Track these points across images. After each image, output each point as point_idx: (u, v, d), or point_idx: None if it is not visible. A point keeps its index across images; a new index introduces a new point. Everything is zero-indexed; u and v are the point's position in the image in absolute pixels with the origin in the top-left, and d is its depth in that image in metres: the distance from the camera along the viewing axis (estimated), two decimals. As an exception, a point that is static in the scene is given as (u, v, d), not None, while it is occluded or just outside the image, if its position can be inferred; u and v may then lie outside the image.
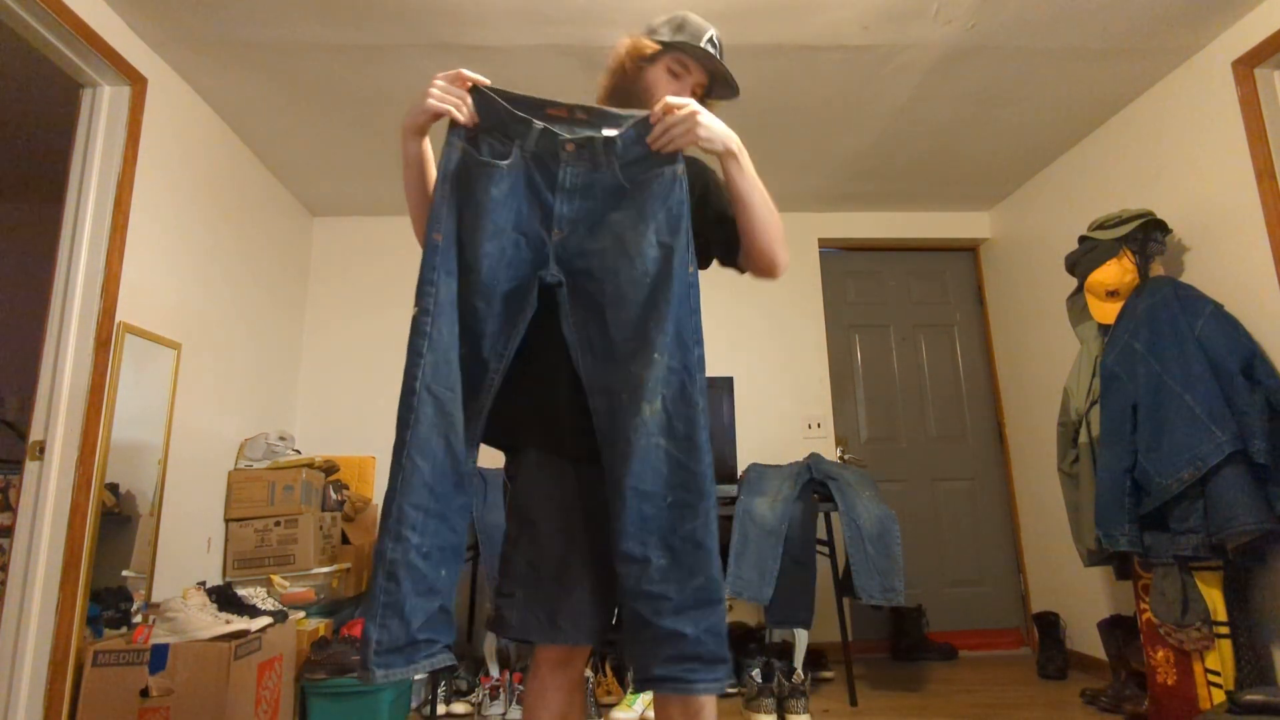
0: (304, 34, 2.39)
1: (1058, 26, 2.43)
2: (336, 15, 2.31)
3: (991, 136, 3.18)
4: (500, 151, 1.18)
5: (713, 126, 1.19)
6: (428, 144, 1.25)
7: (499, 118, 1.18)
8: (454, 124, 1.18)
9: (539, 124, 1.17)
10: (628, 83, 1.38)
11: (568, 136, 1.18)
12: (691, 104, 1.17)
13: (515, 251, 1.18)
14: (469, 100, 1.17)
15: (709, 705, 1.34)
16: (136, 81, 2.35)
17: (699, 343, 1.17)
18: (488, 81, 1.18)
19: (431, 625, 1.10)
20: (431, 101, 1.16)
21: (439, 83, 1.17)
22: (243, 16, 2.30)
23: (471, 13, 2.31)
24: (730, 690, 2.82)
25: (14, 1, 1.94)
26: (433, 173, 1.26)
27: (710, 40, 1.37)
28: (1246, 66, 2.41)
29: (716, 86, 1.39)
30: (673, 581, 1.11)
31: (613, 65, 1.40)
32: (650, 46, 1.38)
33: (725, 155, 1.21)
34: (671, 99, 1.18)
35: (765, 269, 1.31)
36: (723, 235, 1.32)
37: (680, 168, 1.19)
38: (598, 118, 1.19)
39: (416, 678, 2.76)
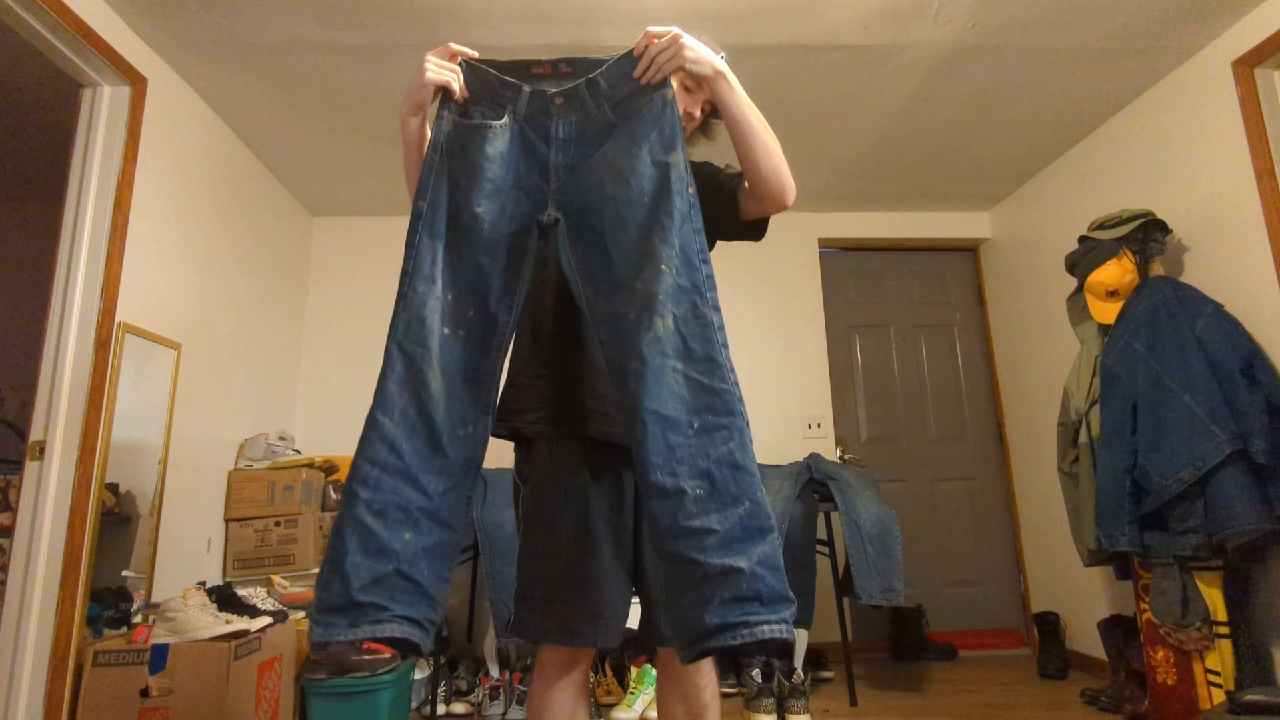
0: (304, 34, 2.39)
1: (1057, 26, 2.43)
2: (336, 15, 2.31)
3: (991, 136, 3.18)
4: (493, 116, 1.18)
5: (698, 48, 1.18)
6: (426, 125, 1.26)
7: (489, 87, 1.18)
8: (445, 99, 1.19)
9: (527, 87, 1.17)
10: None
11: (555, 91, 1.17)
12: (673, 29, 1.17)
13: (515, 206, 1.17)
14: (460, 73, 1.18)
15: (713, 705, 1.34)
16: (136, 81, 2.35)
17: (706, 261, 1.13)
18: (475, 54, 1.20)
19: (378, 589, 1.01)
20: (430, 75, 1.17)
21: (432, 57, 1.18)
22: (243, 17, 2.30)
23: (471, 13, 2.31)
24: (730, 690, 2.82)
25: (14, 1, 1.94)
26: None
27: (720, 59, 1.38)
28: (1246, 66, 2.41)
29: None
30: (714, 511, 1.01)
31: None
32: None
33: (715, 76, 1.20)
34: (652, 27, 1.18)
35: (774, 195, 1.28)
36: (723, 201, 1.32)
37: (670, 92, 1.18)
38: (582, 67, 1.19)
39: (417, 676, 2.76)
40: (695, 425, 1.04)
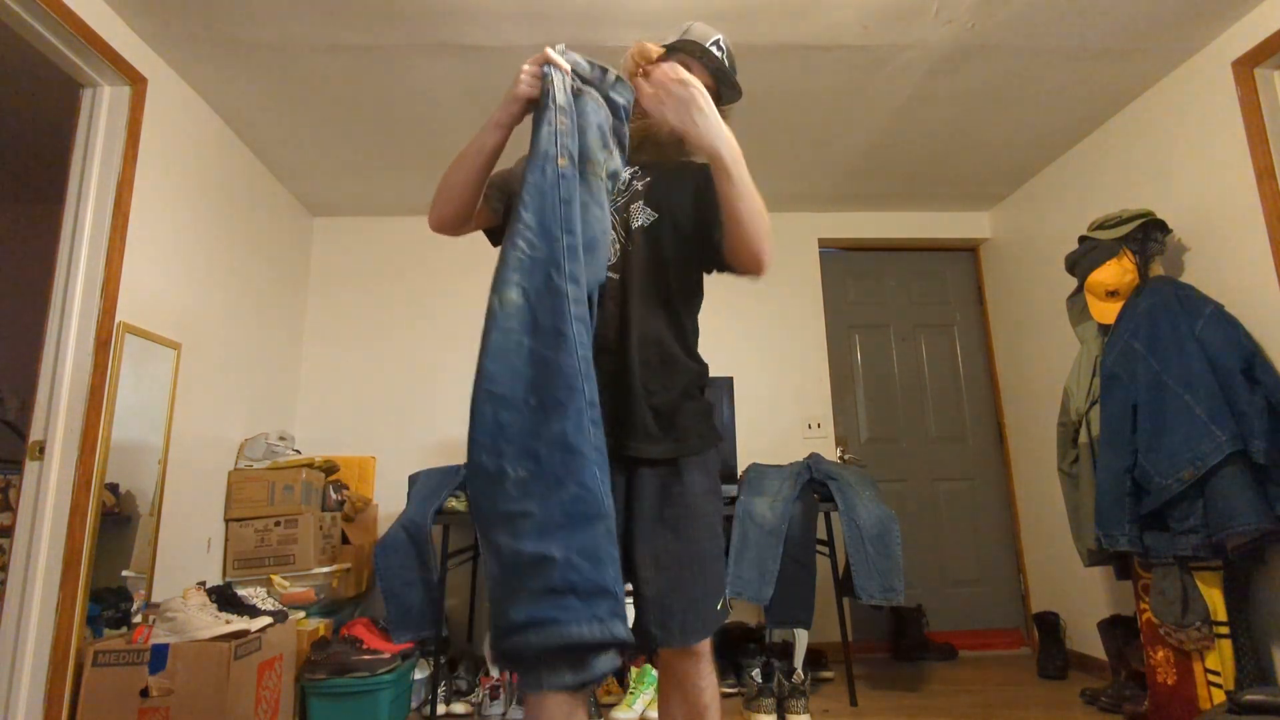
0: (304, 34, 2.39)
1: (1058, 26, 2.43)
2: (336, 15, 2.31)
3: (991, 136, 3.18)
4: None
5: (709, 122, 1.16)
6: (506, 139, 1.26)
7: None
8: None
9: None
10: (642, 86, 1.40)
11: None
12: (695, 84, 1.16)
13: None
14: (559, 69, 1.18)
15: (714, 706, 1.34)
16: (136, 81, 2.35)
17: (569, 231, 1.05)
18: (566, 67, 1.17)
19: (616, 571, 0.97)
20: (522, 88, 1.17)
21: (526, 68, 1.18)
22: (243, 16, 2.30)
23: (471, 13, 2.31)
24: (730, 690, 2.82)
25: (14, 1, 1.94)
26: (490, 167, 1.29)
27: (716, 44, 1.38)
28: (1246, 66, 2.41)
29: (723, 90, 1.40)
30: (535, 496, 0.92)
31: (629, 69, 1.42)
32: (655, 50, 1.41)
33: (714, 161, 1.17)
34: (680, 70, 1.16)
35: (749, 267, 1.28)
36: (710, 249, 1.32)
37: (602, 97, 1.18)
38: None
39: (417, 676, 2.77)
40: (532, 402, 0.97)
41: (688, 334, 1.38)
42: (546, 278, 1.01)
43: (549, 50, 1.17)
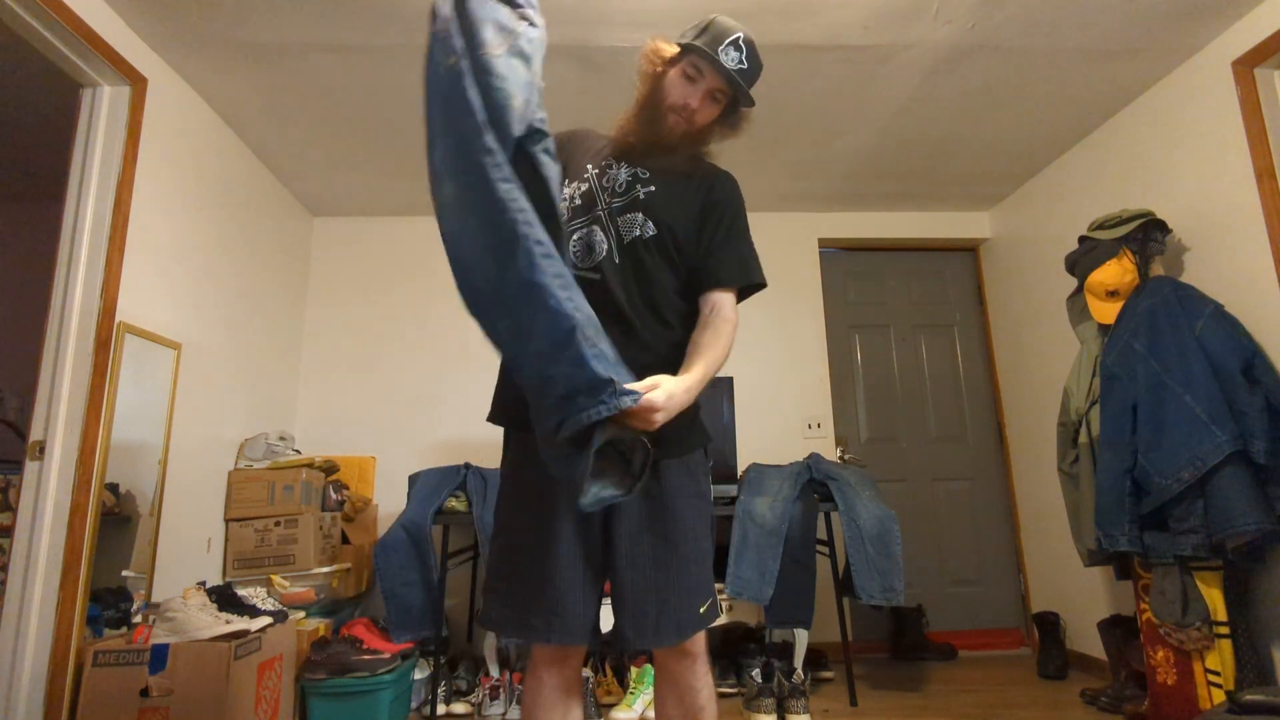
0: (304, 34, 2.39)
1: (1058, 26, 2.43)
2: (336, 15, 2.31)
3: (991, 136, 3.18)
4: None
5: (670, 409, 1.15)
6: None
7: None
8: None
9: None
10: (654, 85, 1.36)
11: None
12: (659, 411, 1.13)
13: None
14: None
15: (709, 707, 1.34)
16: (136, 81, 2.35)
17: (472, 112, 1.08)
18: None
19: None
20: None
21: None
22: (243, 17, 2.30)
23: (471, 13, 2.31)
24: (730, 690, 2.82)
25: (14, 1, 1.94)
26: None
27: (735, 43, 1.32)
28: (1246, 66, 2.41)
29: (738, 94, 1.35)
30: (522, 337, 1.08)
31: (643, 69, 1.38)
32: (669, 49, 1.37)
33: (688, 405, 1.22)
34: (654, 401, 1.12)
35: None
36: (701, 273, 1.35)
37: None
38: None
39: (417, 676, 2.76)
40: (488, 262, 1.07)
41: (678, 340, 1.33)
42: (465, 156, 1.07)
43: None
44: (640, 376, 1.15)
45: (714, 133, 1.40)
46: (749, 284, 1.39)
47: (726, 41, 1.32)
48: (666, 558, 1.27)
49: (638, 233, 1.32)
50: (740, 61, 1.32)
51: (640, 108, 1.37)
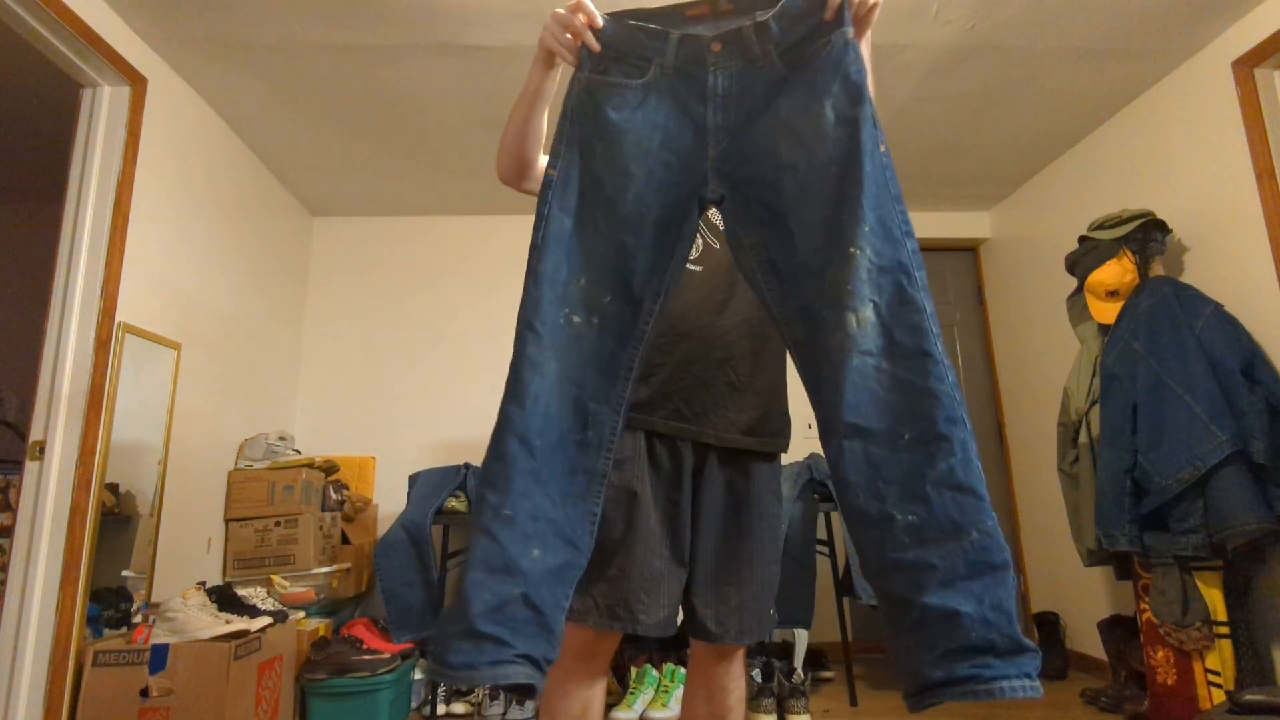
0: (304, 34, 2.39)
1: (1057, 26, 2.43)
2: (336, 15, 2.31)
3: (991, 136, 3.18)
4: (635, 74, 1.02)
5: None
6: (554, 77, 1.16)
7: (632, 39, 1.02)
8: (581, 60, 1.05)
9: (676, 33, 1.00)
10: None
11: (711, 35, 0.99)
12: None
13: (665, 173, 1.00)
14: (587, 36, 1.03)
15: (738, 710, 1.30)
16: (136, 81, 2.35)
17: (910, 235, 0.95)
18: (599, 23, 1.03)
19: (500, 617, 0.85)
20: (545, 42, 1.07)
21: (557, 13, 1.05)
22: (243, 16, 2.30)
23: (471, 13, 2.31)
24: (730, 690, 2.81)
25: (14, 1, 1.94)
26: (544, 105, 1.19)
27: None
28: (1246, 66, 2.41)
29: None
30: (932, 543, 0.83)
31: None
32: None
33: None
34: None
35: None
36: None
37: (850, 31, 0.96)
38: (746, 3, 1.01)
39: (417, 677, 2.76)
40: (906, 437, 0.87)
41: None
42: (898, 288, 0.90)
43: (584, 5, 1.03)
44: (739, 369, 1.21)
45: None
46: None
47: None
48: (752, 554, 1.25)
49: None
50: None
51: None
